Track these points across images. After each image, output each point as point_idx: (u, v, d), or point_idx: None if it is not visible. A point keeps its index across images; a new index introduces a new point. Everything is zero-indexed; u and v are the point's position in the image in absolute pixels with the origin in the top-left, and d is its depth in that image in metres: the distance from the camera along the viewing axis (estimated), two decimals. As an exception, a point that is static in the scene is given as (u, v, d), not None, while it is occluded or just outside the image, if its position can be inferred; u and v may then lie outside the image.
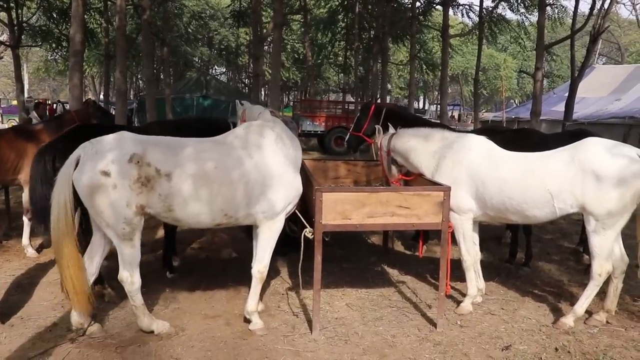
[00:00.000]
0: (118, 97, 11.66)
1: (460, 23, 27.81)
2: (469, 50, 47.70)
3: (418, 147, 5.44)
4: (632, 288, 5.92)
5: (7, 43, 22.36)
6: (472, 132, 7.13)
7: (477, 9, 21.55)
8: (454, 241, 5.33)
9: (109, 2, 22.55)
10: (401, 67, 40.66)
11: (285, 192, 4.60)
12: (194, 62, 38.70)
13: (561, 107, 18.59)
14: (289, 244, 5.62)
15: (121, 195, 4.21)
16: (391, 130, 5.82)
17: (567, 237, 8.60)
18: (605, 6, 15.80)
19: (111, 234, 4.37)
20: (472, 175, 5.05)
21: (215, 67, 46.46)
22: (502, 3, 22.10)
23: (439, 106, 52.00)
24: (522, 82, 53.18)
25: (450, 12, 24.30)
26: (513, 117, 24.32)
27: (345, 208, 4.54)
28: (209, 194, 4.37)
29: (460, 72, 50.21)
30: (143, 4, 16.93)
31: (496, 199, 4.96)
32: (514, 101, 55.42)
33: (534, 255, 7.21)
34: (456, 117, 39.15)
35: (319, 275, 4.61)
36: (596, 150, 4.78)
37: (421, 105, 61.31)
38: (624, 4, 33.27)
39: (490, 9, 22.37)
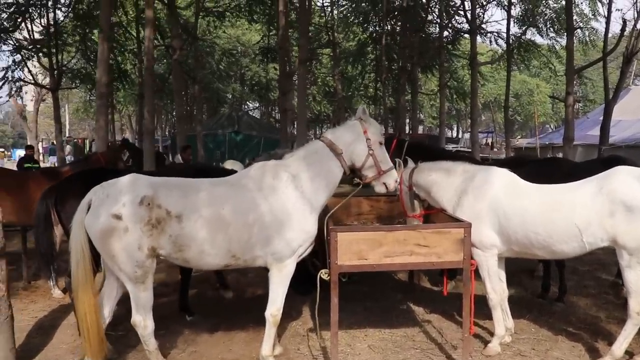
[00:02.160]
0: (146, 135, 11.85)
1: (489, 50, 27.51)
2: (500, 77, 47.15)
3: (439, 181, 5.28)
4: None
5: (48, 87, 23.14)
6: (498, 163, 6.95)
7: (505, 35, 21.31)
8: (480, 277, 5.11)
9: (142, 44, 23.19)
10: (432, 96, 40.48)
11: (295, 235, 4.50)
12: (226, 99, 39.25)
13: (596, 132, 18.06)
14: (311, 283, 5.48)
15: (133, 239, 4.21)
16: (411, 164, 5.67)
17: (605, 269, 8.21)
18: (638, 27, 15.42)
19: (124, 277, 4.36)
20: (494, 209, 4.85)
21: (248, 102, 47.13)
22: (531, 28, 21.82)
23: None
24: (556, 107, 52.24)
25: (479, 39, 24.29)
26: (547, 143, 23.81)
27: (361, 248, 4.41)
28: (217, 235, 4.35)
29: (492, 99, 49.68)
30: (174, 44, 17.37)
31: (520, 234, 4.74)
32: (550, 126, 54.44)
33: (569, 289, 6.89)
34: (490, 144, 38.62)
35: (336, 318, 4.46)
36: (625, 180, 4.54)
37: (454, 134, 60.74)
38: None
39: (519, 34, 22.11)
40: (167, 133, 37.55)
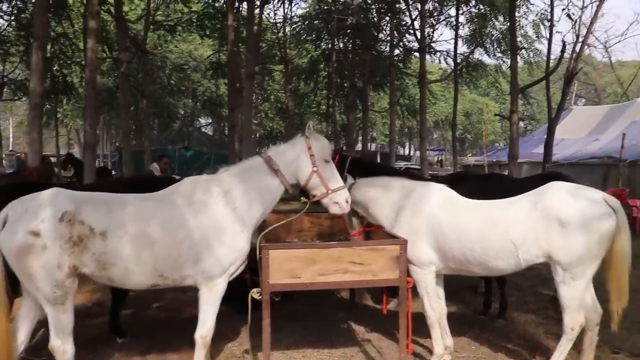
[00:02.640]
0: (87, 149, 11.44)
1: (439, 69, 28.05)
2: (451, 96, 48.10)
3: (377, 197, 5.18)
4: (611, 338, 5.57)
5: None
6: (440, 179, 6.94)
7: (453, 54, 21.73)
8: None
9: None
10: (384, 114, 40.95)
11: (226, 252, 4.33)
12: (177, 114, 38.72)
13: (541, 149, 18.55)
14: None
15: (52, 257, 3.95)
16: (350, 179, 5.57)
17: (547, 284, 8.25)
18: (577, 49, 15.99)
19: (41, 298, 4.08)
20: (431, 226, 4.79)
21: (200, 119, 46.61)
22: (478, 48, 22.35)
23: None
24: (505, 125, 53.66)
25: (429, 58, 24.68)
26: (494, 160, 24.33)
27: (294, 266, 4.27)
28: (143, 253, 4.14)
29: (443, 118, 50.64)
30: (121, 57, 16.95)
31: (457, 251, 4.69)
32: (499, 144, 55.82)
33: (510, 305, 6.91)
34: (440, 162, 39.28)
35: (268, 340, 4.30)
36: (559, 195, 4.56)
37: (407, 152, 61.55)
38: (595, 46, 33.90)
39: (467, 54, 22.59)
40: (116, 148, 36.66)
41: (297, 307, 6.80)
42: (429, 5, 22.09)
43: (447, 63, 24.13)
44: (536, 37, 21.92)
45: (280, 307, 5.71)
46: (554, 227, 4.44)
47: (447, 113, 49.30)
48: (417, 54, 22.44)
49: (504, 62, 22.76)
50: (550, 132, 17.03)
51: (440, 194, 4.96)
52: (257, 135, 49.55)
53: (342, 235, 6.30)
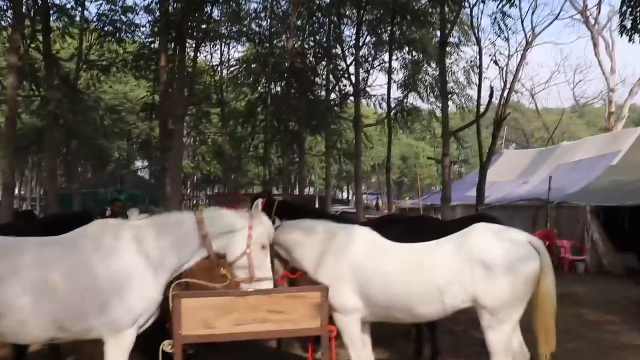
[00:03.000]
0: (5, 191, 10.78)
1: (375, 113, 28.57)
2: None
3: (300, 241, 4.94)
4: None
5: None
6: (368, 222, 6.82)
7: (387, 99, 22.16)
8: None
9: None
10: (323, 158, 41.22)
11: (135, 302, 4.00)
12: (111, 157, 37.66)
13: (474, 192, 18.97)
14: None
15: None
16: (277, 222, 5.33)
17: (480, 327, 8.19)
18: (505, 95, 16.59)
19: None
20: (355, 271, 4.59)
21: (137, 161, 45.57)
22: (412, 93, 22.91)
23: (364, 196, 52.86)
24: (440, 168, 55.08)
25: (365, 102, 25.12)
26: (430, 203, 24.65)
27: (208, 315, 3.98)
28: (40, 303, 3.78)
29: (381, 162, 51.40)
30: (48, 95, 16.34)
31: (381, 297, 4.51)
32: (435, 187, 57.05)
33: (443, 350, 6.75)
34: (379, 205, 39.58)
35: (179, 398, 3.93)
36: (483, 238, 4.48)
37: (345, 195, 61.93)
38: (521, 93, 35.58)
39: (400, 98, 23.11)
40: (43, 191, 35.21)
41: (222, 357, 6.41)
42: (364, 51, 22.61)
43: (381, 107, 24.61)
44: (467, 83, 22.75)
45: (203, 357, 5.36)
46: (478, 270, 4.34)
47: (384, 157, 50.10)
48: (352, 98, 22.81)
49: (437, 106, 23.42)
50: (482, 175, 17.47)
51: (364, 237, 4.80)
52: (195, 178, 48.88)
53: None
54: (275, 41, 25.42)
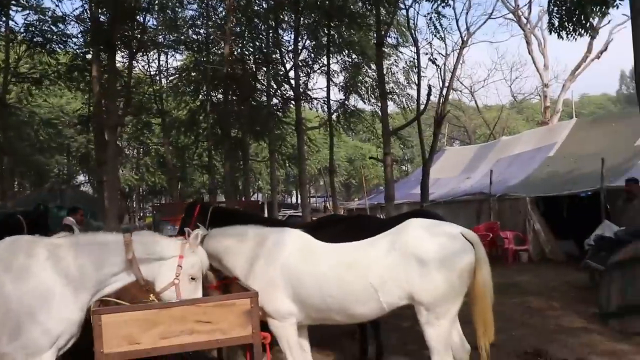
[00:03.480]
0: None
1: (317, 117, 28.55)
2: (335, 143, 49.19)
3: (230, 247, 4.77)
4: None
5: None
6: (305, 224, 6.70)
7: (327, 102, 22.18)
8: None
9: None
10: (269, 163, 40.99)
11: (51, 324, 3.75)
12: (49, 172, 36.26)
13: (419, 190, 19.11)
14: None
15: None
16: (202, 231, 5.11)
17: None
18: (444, 93, 16.82)
19: None
20: (287, 274, 4.46)
21: (79, 176, 44.08)
22: (354, 95, 22.97)
23: (313, 199, 52.78)
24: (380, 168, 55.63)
25: (307, 106, 25.05)
26: (375, 203, 24.77)
27: (131, 331, 3.75)
28: None
29: (328, 165, 51.46)
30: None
31: (316, 299, 4.38)
32: (382, 187, 57.57)
33: (390, 347, 6.70)
34: (328, 208, 39.54)
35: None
36: (416, 233, 4.40)
37: (294, 200, 61.72)
38: (461, 91, 36.29)
39: (341, 101, 23.16)
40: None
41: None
42: (304, 55, 22.56)
43: (323, 111, 24.60)
44: (407, 83, 22.97)
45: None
46: (412, 266, 4.26)
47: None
48: (294, 102, 22.71)
49: (378, 107, 23.49)
50: (425, 172, 17.64)
51: (295, 240, 4.66)
52: (141, 190, 47.75)
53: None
54: (214, 48, 25.09)
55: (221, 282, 5.05)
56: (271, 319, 4.46)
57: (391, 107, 26.00)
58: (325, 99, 22.43)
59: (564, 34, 10.70)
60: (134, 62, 24.23)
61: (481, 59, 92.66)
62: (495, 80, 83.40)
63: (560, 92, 31.33)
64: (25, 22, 19.82)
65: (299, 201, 58.17)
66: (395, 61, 22.77)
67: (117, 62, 21.17)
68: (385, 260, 4.31)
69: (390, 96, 22.00)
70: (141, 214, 49.20)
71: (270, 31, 22.04)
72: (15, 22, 32.26)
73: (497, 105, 46.39)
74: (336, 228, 6.05)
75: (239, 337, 3.97)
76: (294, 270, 4.45)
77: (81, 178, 45.27)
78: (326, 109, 23.62)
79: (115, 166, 13.93)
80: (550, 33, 11.08)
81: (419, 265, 4.24)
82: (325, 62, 21.57)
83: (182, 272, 4.07)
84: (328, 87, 21.47)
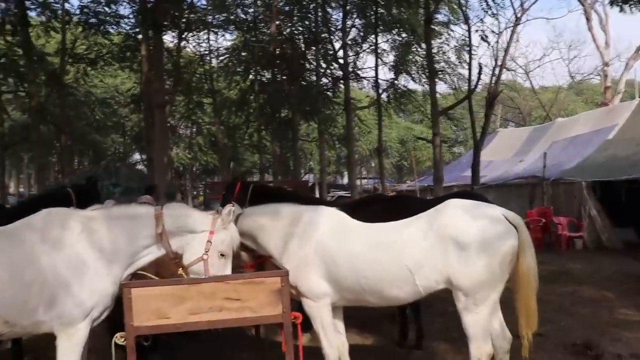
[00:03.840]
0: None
1: (367, 96, 28.24)
2: (386, 124, 48.71)
3: (265, 226, 4.66)
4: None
5: None
6: (343, 204, 6.55)
7: (380, 81, 21.91)
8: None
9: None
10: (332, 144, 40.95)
11: (86, 295, 3.79)
12: (105, 151, 37.35)
13: (470, 172, 18.68)
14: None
15: None
16: (237, 209, 5.04)
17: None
18: (496, 73, 16.27)
19: None
20: (321, 253, 4.34)
21: (135, 154, 45.23)
22: (404, 74, 22.56)
23: (364, 180, 52.53)
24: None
25: (357, 85, 24.80)
26: (426, 185, 24.38)
27: (160, 305, 3.72)
28: None
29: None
30: (30, 90, 16.09)
31: (350, 280, 4.25)
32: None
33: (432, 332, 6.53)
34: (377, 189, 39.31)
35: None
36: (454, 213, 4.19)
37: (346, 181, 61.53)
38: (514, 71, 34.82)
39: (392, 80, 22.78)
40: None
41: (199, 346, 6.19)
42: (354, 34, 22.29)
43: (373, 90, 24.29)
44: (459, 62, 22.38)
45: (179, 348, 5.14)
46: (451, 249, 4.06)
47: (383, 141, 49.79)
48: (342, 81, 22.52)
49: (429, 86, 23.04)
50: (476, 154, 17.20)
51: (330, 218, 4.53)
52: (195, 169, 48.60)
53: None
54: (263, 28, 25.09)
55: (256, 261, 4.98)
56: (305, 298, 4.37)
57: (443, 88, 25.50)
58: (375, 79, 22.12)
59: (627, 7, 10.09)
60: (185, 42, 24.62)
61: (537, 36, 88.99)
62: (552, 60, 79.98)
63: (622, 71, 29.77)
64: (81, 3, 20.34)
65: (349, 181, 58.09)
66: (447, 39, 22.17)
67: (167, 42, 21.53)
68: (421, 242, 4.13)
69: (441, 75, 21.48)
70: (194, 193, 50.14)
71: (319, 10, 21.82)
72: (71, 4, 33.08)
73: (554, 86, 44.69)
74: (374, 208, 5.89)
75: (269, 316, 3.88)
76: (328, 250, 4.33)
77: (136, 156, 46.52)
78: (375, 89, 23.36)
79: (163, 144, 14.13)
80: (612, 6, 10.45)
81: (458, 248, 4.04)
82: (377, 41, 21.28)
83: (212, 247, 4.00)
84: (376, 66, 21.19)
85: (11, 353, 5.67)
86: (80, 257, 3.82)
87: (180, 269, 4.12)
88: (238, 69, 26.32)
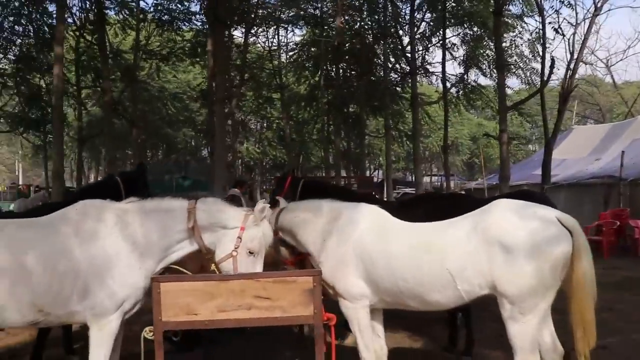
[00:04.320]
0: (54, 179, 11.09)
1: (436, 91, 27.58)
2: (458, 121, 47.67)
3: (305, 222, 4.54)
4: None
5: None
6: (396, 202, 6.34)
7: (449, 76, 21.33)
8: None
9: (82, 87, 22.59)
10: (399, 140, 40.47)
11: (118, 287, 3.82)
12: (177, 144, 38.45)
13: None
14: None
15: None
16: (282, 203, 4.95)
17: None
18: (571, 67, 15.44)
19: None
20: (359, 253, 4.16)
21: (203, 148, 46.36)
22: (474, 69, 21.88)
23: (432, 178, 51.60)
24: (514, 148, 52.98)
25: (426, 81, 24.29)
26: (494, 183, 23.57)
27: (189, 301, 3.69)
28: (17, 286, 3.66)
29: (450, 143, 49.93)
30: (104, 86, 16.72)
31: (388, 282, 4.05)
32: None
33: (485, 338, 6.20)
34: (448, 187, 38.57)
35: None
36: (502, 215, 3.89)
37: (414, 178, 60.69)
38: (591, 64, 32.78)
39: (461, 75, 22.13)
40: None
41: (242, 342, 6.15)
42: (423, 28, 21.84)
43: (443, 85, 23.69)
44: (532, 56, 21.48)
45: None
46: (496, 252, 3.77)
47: (454, 137, 48.72)
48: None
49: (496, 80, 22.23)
50: (547, 152, 16.42)
51: (370, 216, 4.33)
52: (264, 163, 49.31)
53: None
54: (332, 23, 25.00)
55: (297, 258, 4.88)
56: (342, 299, 4.22)
57: (516, 83, 24.58)
58: (444, 74, 21.54)
59: None
60: (254, 37, 24.95)
61: (620, 27, 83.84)
62: (637, 52, 75.27)
63: None
64: (155, 1, 20.99)
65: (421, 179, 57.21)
66: (520, 33, 21.28)
67: (237, 37, 21.84)
68: (465, 245, 3.88)
69: (513, 70, 20.67)
70: (264, 187, 50.86)
71: (389, 4, 21.48)
72: (146, 2, 34.26)
73: (639, 81, 42.13)
74: (427, 206, 5.64)
75: (300, 317, 3.76)
76: (367, 249, 4.15)
77: (206, 151, 47.65)
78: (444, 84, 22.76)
79: (222, 138, 14.31)
80: None
81: (504, 252, 3.75)
82: (444, 35, 20.71)
83: (241, 244, 3.94)
84: (443, 61, 20.61)
85: (62, 340, 5.83)
86: (112, 250, 3.85)
87: (213, 265, 4.09)
88: (307, 65, 26.35)
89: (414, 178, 59.61)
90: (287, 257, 4.86)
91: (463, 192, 22.08)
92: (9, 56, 21.06)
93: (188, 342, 5.70)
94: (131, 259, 3.87)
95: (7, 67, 21.84)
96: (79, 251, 3.80)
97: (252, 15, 19.26)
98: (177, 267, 4.07)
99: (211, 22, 15.27)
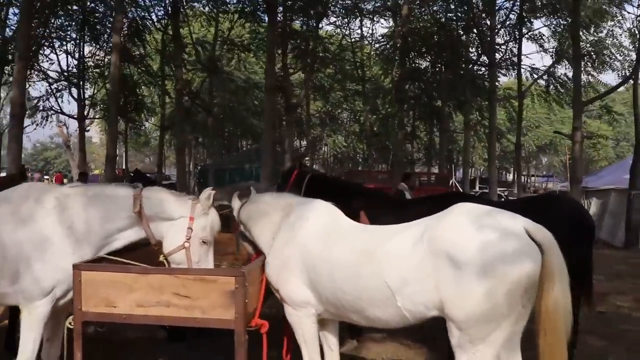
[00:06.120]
0: (107, 162, 11.49)
1: (523, 85, 26.05)
2: (557, 119, 44.98)
3: (261, 216, 4.15)
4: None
5: (75, 116, 23.75)
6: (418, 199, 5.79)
7: (527, 68, 20.03)
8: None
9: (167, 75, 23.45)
10: (482, 136, 38.82)
11: (48, 273, 3.71)
12: (261, 134, 39.24)
13: (629, 175, 16.27)
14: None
15: None
16: (252, 195, 4.60)
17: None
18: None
19: None
20: (303, 256, 3.73)
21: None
22: (564, 62, 20.35)
23: (527, 178, 49.08)
24: (618, 149, 49.27)
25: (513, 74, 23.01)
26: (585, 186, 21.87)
27: (109, 292, 3.52)
28: None
29: (548, 142, 47.25)
30: (176, 74, 17.20)
31: (329, 291, 3.60)
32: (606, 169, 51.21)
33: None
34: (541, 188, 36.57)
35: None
36: (456, 223, 3.24)
37: (511, 177, 57.90)
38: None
39: (547, 68, 20.68)
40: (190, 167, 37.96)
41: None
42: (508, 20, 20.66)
43: (532, 78, 22.29)
44: (633, 47, 19.64)
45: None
46: (444, 267, 3.15)
47: (553, 136, 45.89)
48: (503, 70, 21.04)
49: (592, 76, 20.55)
50: (637, 154, 14.92)
51: (321, 215, 3.87)
52: (357, 157, 49.13)
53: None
54: (419, 14, 24.36)
55: (257, 255, 4.55)
56: (285, 304, 3.86)
57: (611, 78, 22.68)
58: (532, 66, 20.34)
59: None
60: (335, 28, 24.81)
61: None
62: None
63: None
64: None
65: (514, 178, 54.58)
66: (619, 22, 19.51)
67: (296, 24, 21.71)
68: (409, 256, 3.30)
69: (608, 62, 19.05)
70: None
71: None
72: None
73: None
74: (422, 207, 5.10)
75: (220, 320, 3.46)
76: (311, 252, 3.72)
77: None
78: (539, 79, 21.43)
79: (270, 126, 14.23)
80: None
81: (452, 267, 3.13)
82: (535, 27, 19.54)
83: (193, 235, 3.76)
84: (519, 54, 19.32)
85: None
86: (44, 233, 3.75)
87: (161, 256, 3.92)
88: (394, 57, 25.77)
89: (509, 177, 57.05)
90: (251, 252, 4.55)
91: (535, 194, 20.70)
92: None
93: (178, 332, 5.60)
94: (65, 244, 3.76)
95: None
96: (10, 233, 3.73)
97: (319, 7, 18.97)
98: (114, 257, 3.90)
99: (267, 12, 15.24)
